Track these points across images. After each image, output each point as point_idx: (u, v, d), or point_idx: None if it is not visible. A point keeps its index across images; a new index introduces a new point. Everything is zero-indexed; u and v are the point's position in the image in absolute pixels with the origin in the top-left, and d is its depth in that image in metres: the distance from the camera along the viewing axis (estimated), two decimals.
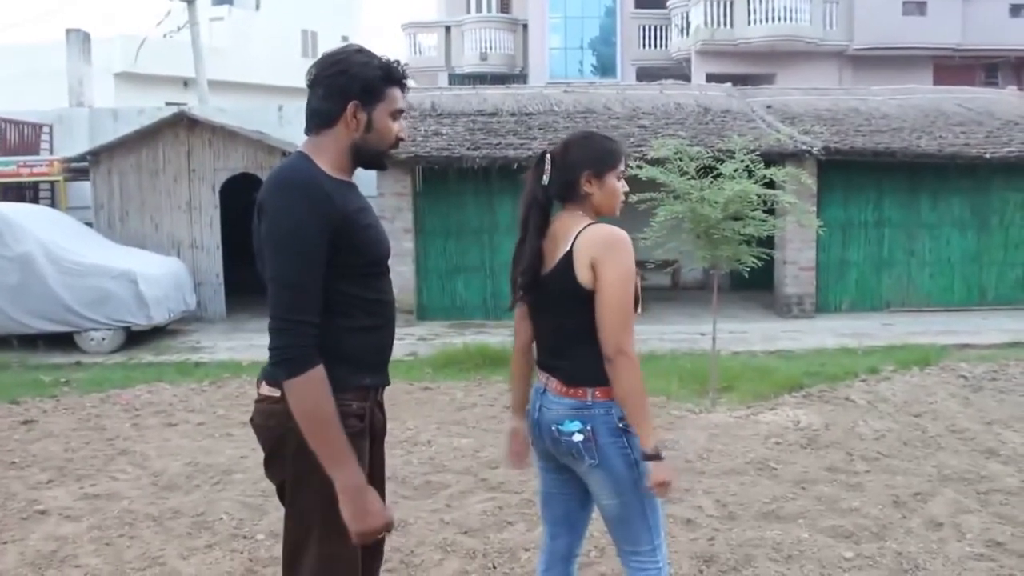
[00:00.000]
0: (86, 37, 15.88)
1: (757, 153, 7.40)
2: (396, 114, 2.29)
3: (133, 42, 22.56)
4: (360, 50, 2.29)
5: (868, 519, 4.42)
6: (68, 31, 15.78)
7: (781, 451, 5.68)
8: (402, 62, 2.34)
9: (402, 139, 2.35)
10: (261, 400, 2.25)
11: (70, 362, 9.40)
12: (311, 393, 2.07)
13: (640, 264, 10.04)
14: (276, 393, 2.17)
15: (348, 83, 2.23)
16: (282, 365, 2.08)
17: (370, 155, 2.31)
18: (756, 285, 12.27)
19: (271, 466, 2.28)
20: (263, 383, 2.24)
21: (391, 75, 2.27)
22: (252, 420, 2.29)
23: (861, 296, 12.30)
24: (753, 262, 7.06)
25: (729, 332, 10.04)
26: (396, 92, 2.29)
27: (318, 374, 2.07)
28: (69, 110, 14.84)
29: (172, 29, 20.18)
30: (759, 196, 6.84)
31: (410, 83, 2.40)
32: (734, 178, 6.85)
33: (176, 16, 20.38)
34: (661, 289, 13.78)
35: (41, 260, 9.68)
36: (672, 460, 2.23)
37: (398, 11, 44.49)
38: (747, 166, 6.95)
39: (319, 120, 2.27)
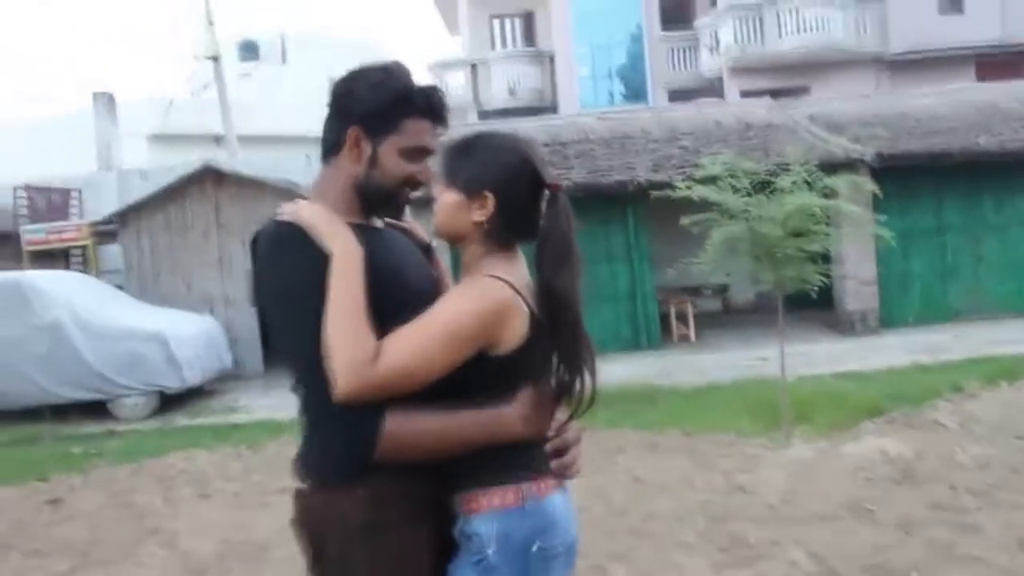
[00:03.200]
0: (111, 100, 15.85)
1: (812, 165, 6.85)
2: (412, 153, 1.83)
3: (164, 104, 22.66)
4: (385, 68, 1.86)
5: (995, 569, 3.81)
6: (95, 95, 15.76)
7: (874, 488, 5.07)
8: (439, 90, 1.88)
9: (420, 182, 1.88)
10: (296, 495, 1.84)
11: (103, 431, 9.04)
12: (408, 443, 1.72)
13: (695, 291, 9.43)
14: (306, 486, 1.80)
15: (350, 105, 1.83)
16: (359, 459, 1.72)
17: (374, 197, 1.86)
18: (812, 303, 11.55)
19: (314, 570, 1.87)
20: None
21: (409, 103, 1.82)
22: (293, 518, 1.88)
23: (927, 308, 11.59)
24: (821, 281, 6.51)
25: (791, 355, 9.40)
26: (418, 126, 1.83)
27: (398, 425, 1.70)
28: (98, 174, 14.76)
29: (199, 87, 20.18)
30: (821, 209, 6.30)
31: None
32: (792, 191, 6.31)
33: (204, 75, 20.39)
34: (712, 315, 13.19)
35: (70, 326, 9.41)
36: None
37: (424, 53, 44.62)
38: (806, 178, 6.41)
39: (324, 148, 1.89)
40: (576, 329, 1.78)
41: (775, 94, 17.36)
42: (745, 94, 20.27)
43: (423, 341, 1.65)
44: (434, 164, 1.90)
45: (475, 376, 1.71)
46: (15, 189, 12.59)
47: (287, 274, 1.72)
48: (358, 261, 1.69)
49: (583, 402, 1.81)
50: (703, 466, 5.81)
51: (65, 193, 13.45)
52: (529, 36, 27.77)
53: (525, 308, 1.75)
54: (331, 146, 1.86)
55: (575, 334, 1.78)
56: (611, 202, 11.13)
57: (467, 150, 1.84)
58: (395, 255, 1.86)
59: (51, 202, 13.14)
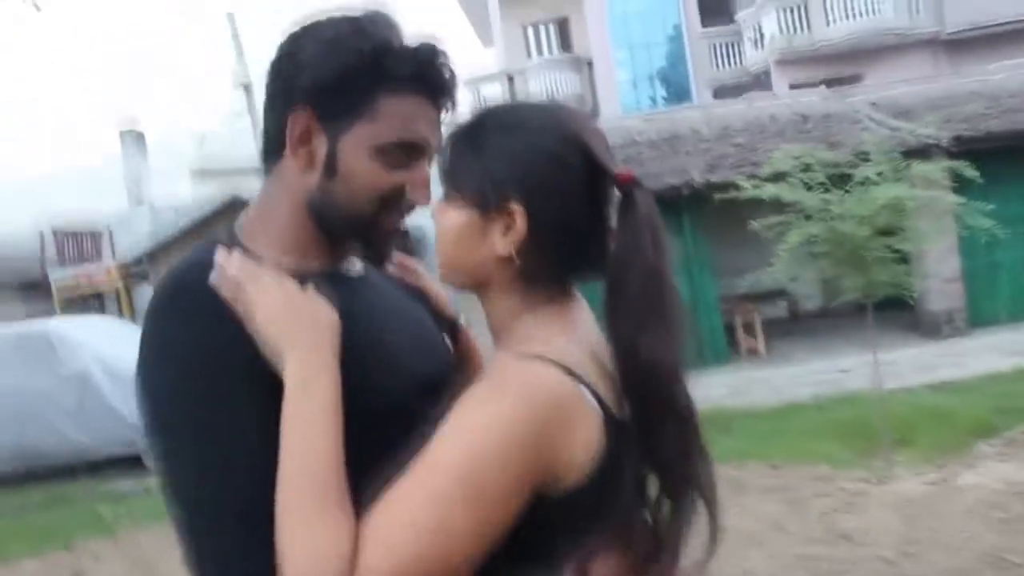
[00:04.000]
0: (140, 137, 15.49)
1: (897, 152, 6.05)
2: (396, 151, 1.07)
3: (199, 137, 22.43)
4: (353, 17, 1.08)
5: None
6: (122, 133, 15.38)
7: (1012, 533, 4.25)
8: (438, 45, 1.10)
9: (411, 201, 1.12)
10: None
11: (138, 489, 8.48)
12: None
13: (761, 298, 8.47)
14: None
15: (293, 74, 1.07)
16: None
17: (337, 225, 1.11)
18: (887, 304, 10.64)
19: None
20: None
21: (386, 69, 1.05)
22: None
23: (1019, 303, 10.55)
24: (912, 284, 5.73)
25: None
26: (403, 107, 1.07)
27: None
28: (130, 212, 14.36)
29: (232, 116, 19.89)
30: (914, 202, 5.50)
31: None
32: (877, 183, 5.52)
33: (239, 104, 20.07)
34: (779, 322, 12.30)
35: (99, 376, 8.88)
36: None
37: (459, 69, 44.19)
38: (892, 168, 5.60)
39: (264, 146, 1.14)
40: (683, 429, 1.04)
41: (826, 84, 16.46)
42: (794, 87, 19.34)
43: (428, 515, 0.89)
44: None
45: (513, 531, 0.95)
46: (41, 233, 12.23)
47: (191, 383, 1.01)
48: (331, 395, 0.96)
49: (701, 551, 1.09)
50: (797, 508, 5.02)
51: (96, 236, 13.06)
52: (565, 42, 27.17)
53: (595, 405, 0.99)
54: (272, 143, 1.12)
55: (681, 439, 1.03)
56: (663, 208, 10.26)
57: (475, 136, 1.07)
58: (379, 324, 1.13)
59: (81, 247, 12.75)
